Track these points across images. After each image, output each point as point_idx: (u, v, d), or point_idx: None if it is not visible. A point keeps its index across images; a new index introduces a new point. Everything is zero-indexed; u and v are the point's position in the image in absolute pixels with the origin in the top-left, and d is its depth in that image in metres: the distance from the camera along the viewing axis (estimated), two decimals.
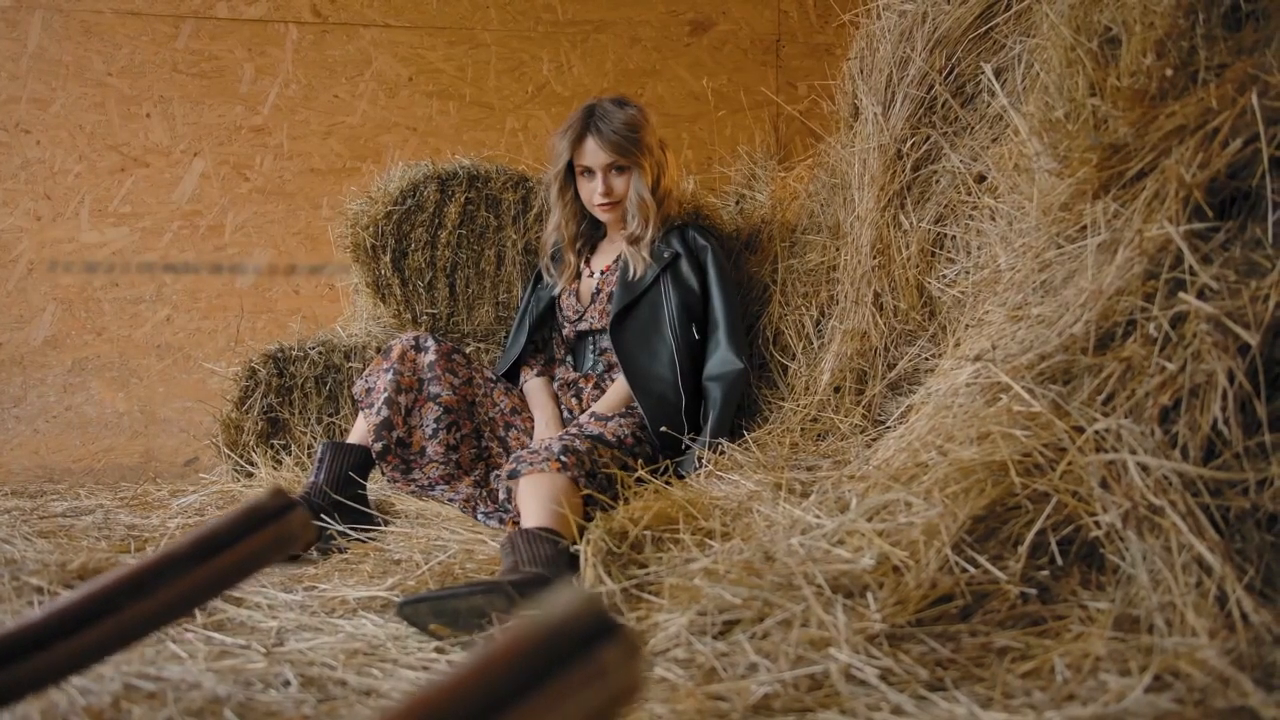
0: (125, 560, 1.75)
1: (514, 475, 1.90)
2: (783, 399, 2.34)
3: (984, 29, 2.17)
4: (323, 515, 2.00)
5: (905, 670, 1.17)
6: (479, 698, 0.45)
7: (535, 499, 1.81)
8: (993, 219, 2.04)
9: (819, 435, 2.21)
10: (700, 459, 2.07)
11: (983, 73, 2.17)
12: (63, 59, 3.14)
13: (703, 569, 1.37)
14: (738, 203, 2.96)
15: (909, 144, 2.22)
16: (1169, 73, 1.56)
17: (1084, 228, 1.68)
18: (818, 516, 1.54)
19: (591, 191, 2.36)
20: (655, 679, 1.19)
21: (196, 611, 1.49)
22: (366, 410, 2.21)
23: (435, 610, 1.41)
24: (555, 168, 2.41)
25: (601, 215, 2.40)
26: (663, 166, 2.40)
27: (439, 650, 1.39)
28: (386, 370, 2.23)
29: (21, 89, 3.11)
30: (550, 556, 1.59)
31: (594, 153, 2.33)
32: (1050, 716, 1.05)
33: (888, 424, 2.14)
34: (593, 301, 2.44)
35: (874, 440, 2.06)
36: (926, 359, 2.21)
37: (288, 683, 1.24)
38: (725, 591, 1.29)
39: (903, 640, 1.24)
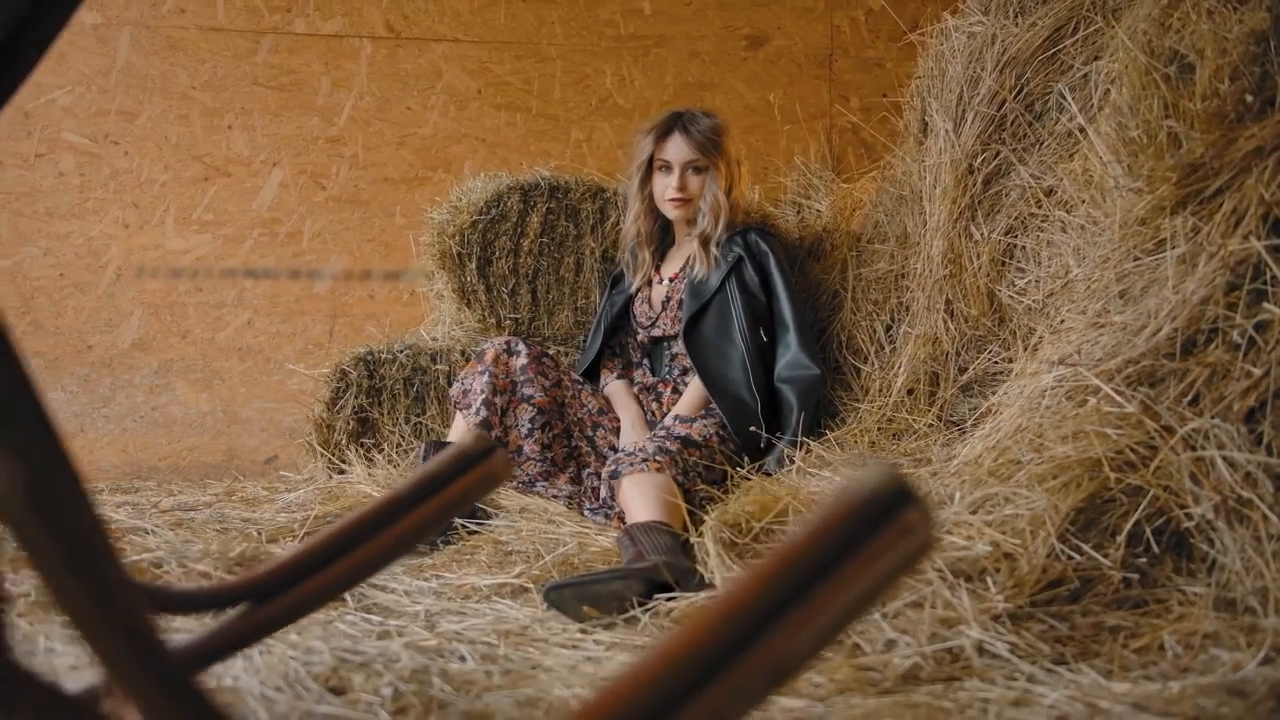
0: (272, 549, 1.88)
1: (615, 475, 2.02)
2: (858, 400, 2.46)
3: (1052, 51, 2.29)
4: None
5: (1029, 645, 1.29)
6: (820, 553, 0.57)
7: (642, 496, 1.93)
8: (1063, 230, 2.16)
9: (895, 435, 2.33)
10: (788, 457, 2.19)
11: (1051, 92, 2.30)
12: (149, 73, 3.27)
13: None
14: (798, 212, 3.08)
15: (980, 159, 2.34)
16: (1249, 99, 1.67)
17: (1161, 241, 1.79)
18: None
19: (666, 186, 2.49)
20: None
21: (344, 597, 1.62)
22: (464, 411, 2.33)
23: (579, 595, 1.53)
24: (637, 160, 2.53)
25: (671, 210, 2.52)
26: (735, 177, 2.52)
27: (582, 631, 1.51)
28: (481, 373, 2.35)
29: (111, 102, 3.25)
30: (670, 545, 1.72)
31: (677, 147, 2.46)
32: (1173, 686, 1.17)
33: (962, 425, 2.26)
34: (664, 309, 2.56)
35: (952, 440, 2.18)
36: (996, 363, 2.33)
37: (463, 658, 1.36)
38: None
39: (1022, 620, 1.36)
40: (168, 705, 0.43)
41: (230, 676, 1.14)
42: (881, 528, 0.58)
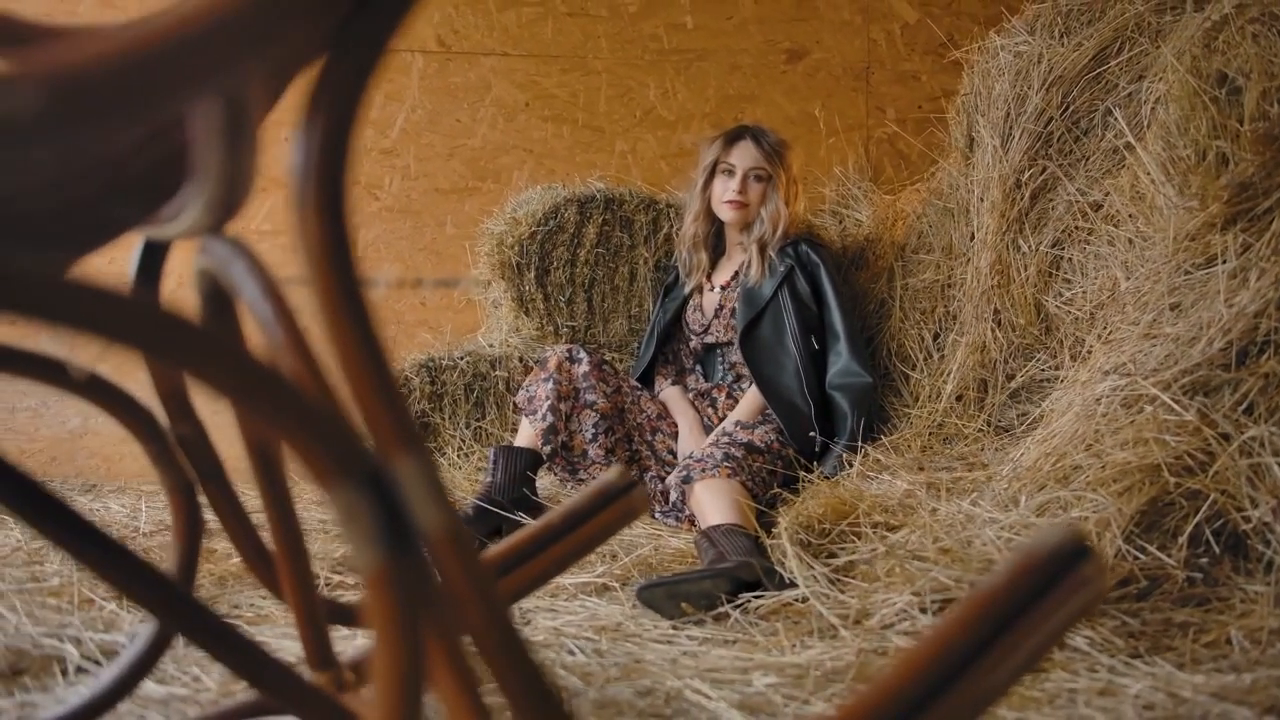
0: None
1: (687, 481, 2.12)
2: (908, 406, 2.55)
3: (1097, 71, 2.38)
4: (514, 511, 2.23)
5: (1105, 640, 1.39)
6: (1014, 600, 0.67)
7: (715, 501, 2.02)
8: (1110, 244, 2.25)
9: (946, 439, 2.42)
10: (846, 461, 2.28)
11: (1096, 110, 2.39)
12: None
13: (911, 554, 1.59)
14: (840, 222, 3.18)
15: (1027, 174, 2.43)
16: None
17: (1211, 257, 1.88)
18: (989, 511, 1.76)
19: (726, 189, 2.59)
20: (893, 649, 1.40)
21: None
22: (531, 417, 2.43)
23: (671, 593, 1.62)
24: (702, 164, 2.64)
25: (725, 212, 2.61)
26: (793, 194, 2.62)
27: (673, 627, 1.61)
28: (546, 380, 2.45)
29: None
30: (749, 547, 1.81)
31: (744, 152, 2.57)
32: (1246, 678, 1.26)
33: (1011, 430, 2.35)
34: (716, 316, 2.66)
35: (1003, 445, 2.27)
36: (1043, 371, 2.42)
37: (572, 651, 1.46)
38: (940, 574, 1.51)
39: (1096, 616, 1.45)
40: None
41: None
42: (1064, 578, 0.68)
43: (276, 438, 0.52)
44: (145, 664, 0.95)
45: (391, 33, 0.59)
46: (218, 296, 0.79)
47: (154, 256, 0.96)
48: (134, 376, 0.93)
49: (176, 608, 0.83)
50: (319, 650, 1.00)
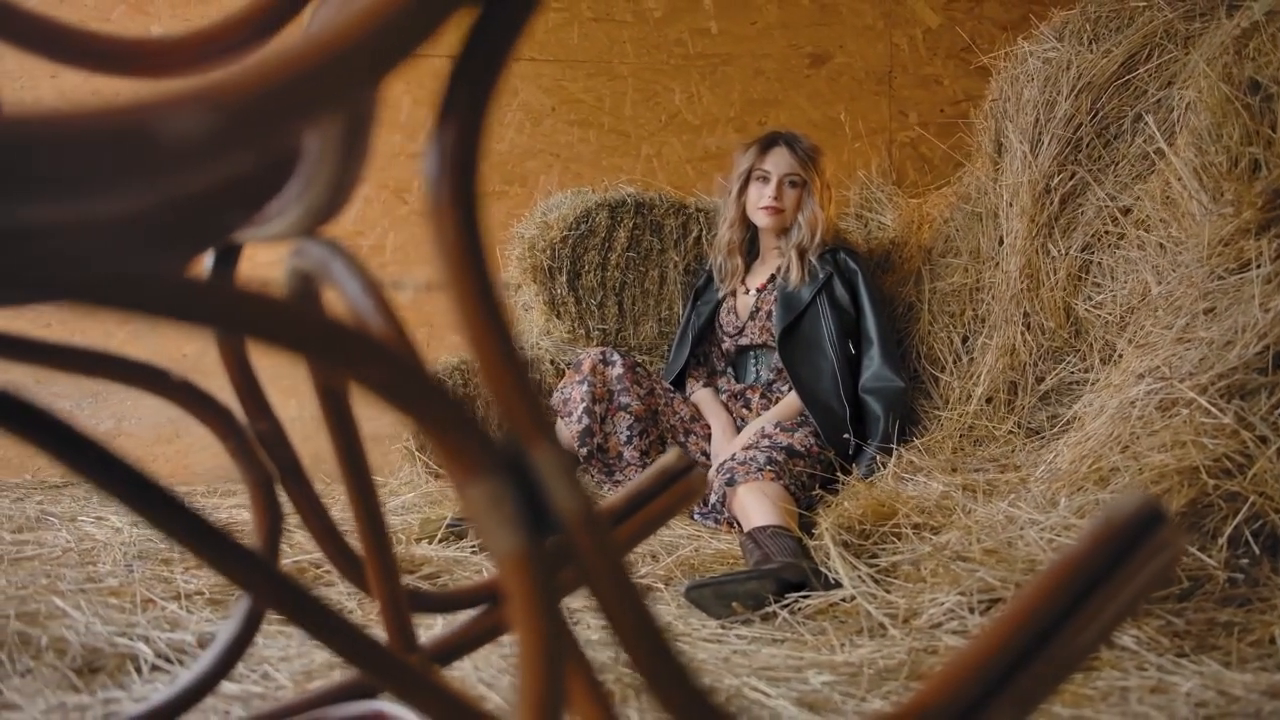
0: (413, 551, 2.01)
1: (730, 484, 2.15)
2: (938, 409, 2.58)
3: (1126, 77, 2.40)
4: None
5: (1151, 639, 1.41)
6: (1097, 563, 0.69)
7: (760, 503, 2.04)
8: (1140, 248, 2.27)
9: (977, 441, 2.45)
10: (880, 463, 2.31)
11: (1125, 116, 2.41)
12: None
13: (956, 555, 1.62)
14: (865, 225, 3.20)
15: (1056, 180, 2.45)
16: None
17: (1245, 262, 1.91)
18: (1029, 513, 1.78)
19: (761, 195, 2.62)
20: (944, 647, 1.43)
21: None
22: (566, 419, 2.46)
23: (718, 593, 1.65)
24: (737, 170, 2.67)
25: (761, 218, 2.65)
26: (827, 199, 2.65)
27: (721, 627, 1.63)
28: (580, 383, 2.48)
29: None
30: (794, 548, 1.84)
31: (778, 157, 2.61)
32: None
33: (1042, 433, 2.38)
34: (751, 318, 2.68)
35: (1036, 447, 2.30)
36: (1073, 373, 2.45)
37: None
38: (986, 574, 1.53)
39: (1141, 616, 1.48)
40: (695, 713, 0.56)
41: (455, 666, 1.26)
42: (1143, 543, 0.71)
43: (426, 434, 0.55)
44: (241, 643, 0.98)
45: (518, 34, 0.61)
46: (309, 296, 0.82)
47: (229, 254, 0.99)
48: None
49: (280, 591, 0.86)
50: (403, 636, 1.03)
